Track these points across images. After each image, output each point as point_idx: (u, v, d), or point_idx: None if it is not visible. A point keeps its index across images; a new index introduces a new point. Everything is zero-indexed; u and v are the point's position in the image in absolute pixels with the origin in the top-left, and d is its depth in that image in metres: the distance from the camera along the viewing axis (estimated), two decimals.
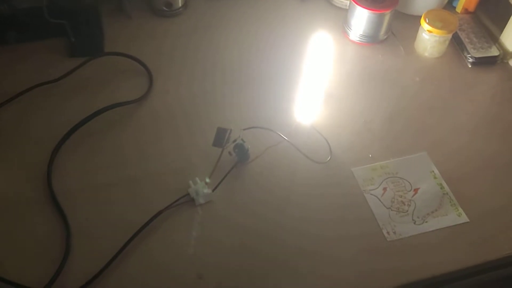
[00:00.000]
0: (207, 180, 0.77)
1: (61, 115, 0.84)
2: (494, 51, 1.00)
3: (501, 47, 1.01)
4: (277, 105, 0.90)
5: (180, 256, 0.71)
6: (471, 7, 1.06)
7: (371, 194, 0.80)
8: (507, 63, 1.01)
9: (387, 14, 0.98)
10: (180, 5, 1.03)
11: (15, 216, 0.74)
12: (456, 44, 1.02)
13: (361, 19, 0.99)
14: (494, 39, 1.02)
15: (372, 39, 1.01)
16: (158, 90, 0.91)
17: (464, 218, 0.78)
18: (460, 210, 0.79)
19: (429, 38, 0.98)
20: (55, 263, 0.69)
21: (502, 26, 1.00)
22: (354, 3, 0.97)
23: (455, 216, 0.78)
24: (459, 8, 1.08)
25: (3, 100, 0.85)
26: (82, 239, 0.72)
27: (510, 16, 0.97)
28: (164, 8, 1.02)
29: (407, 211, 0.78)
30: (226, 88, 0.92)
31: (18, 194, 0.76)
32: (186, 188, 0.76)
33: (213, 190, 0.77)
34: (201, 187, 0.76)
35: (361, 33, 1.01)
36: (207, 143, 0.80)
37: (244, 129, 0.83)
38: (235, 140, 0.80)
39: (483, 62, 0.99)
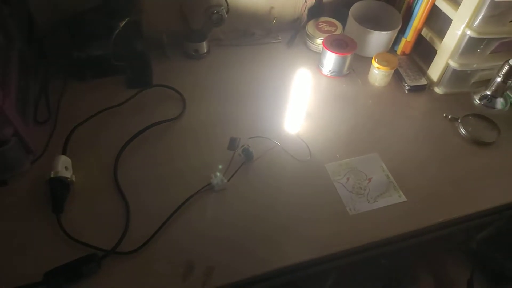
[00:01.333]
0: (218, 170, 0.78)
1: (123, 129, 0.85)
2: (423, 81, 1.00)
3: (428, 78, 1.01)
4: (272, 120, 0.90)
5: (205, 226, 0.73)
6: (407, 50, 1.07)
7: (339, 182, 0.81)
8: (433, 89, 1.01)
9: (349, 56, 0.99)
10: (204, 51, 1.04)
11: (93, 197, 0.75)
12: (397, 76, 1.03)
13: (330, 60, 1.00)
14: (423, 73, 1.03)
15: (338, 73, 1.02)
16: (189, 111, 0.92)
17: (403, 198, 0.79)
18: (401, 192, 0.79)
19: (378, 73, 0.99)
20: (120, 232, 0.70)
21: (428, 63, 1.01)
22: (325, 48, 0.99)
23: (397, 197, 0.79)
24: (399, 51, 1.09)
25: (83, 119, 0.86)
26: (137, 215, 0.73)
27: (434, 57, 0.98)
28: (193, 53, 1.03)
29: (364, 194, 0.79)
30: (235, 109, 0.93)
31: (95, 182, 0.77)
32: (209, 179, 0.77)
33: (228, 181, 0.78)
34: (220, 178, 0.77)
35: (331, 69, 1.02)
36: (223, 148, 0.82)
37: (249, 138, 0.84)
38: (243, 146, 0.81)
39: (416, 89, 1.00)
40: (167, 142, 0.85)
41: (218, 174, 0.78)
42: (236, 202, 0.76)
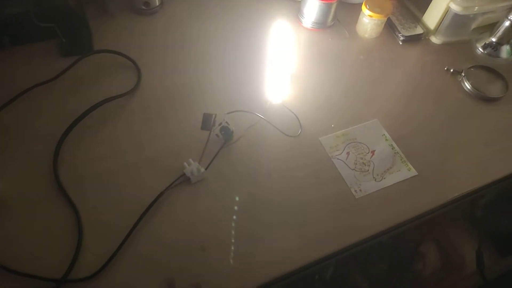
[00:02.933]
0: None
1: (60, 112, 0.67)
2: (419, 30, 0.87)
3: (424, 26, 0.88)
4: (252, 89, 0.74)
5: (183, 231, 0.58)
6: None
7: (338, 158, 0.68)
8: (429, 39, 0.88)
9: (334, 4, 0.83)
10: (157, 4, 0.84)
11: (27, 211, 0.57)
12: (389, 26, 0.89)
13: (312, 8, 0.83)
14: (418, 20, 0.89)
15: (322, 25, 0.86)
16: (146, 82, 0.73)
17: (413, 172, 0.67)
18: (410, 165, 0.68)
19: (369, 22, 0.84)
20: (71, 252, 0.53)
21: (423, 9, 0.87)
22: None
23: (406, 171, 0.67)
24: None
25: (5, 102, 0.66)
26: (92, 226, 0.57)
27: (431, 0, 0.85)
28: (143, 7, 0.83)
29: (368, 170, 0.67)
30: (205, 77, 0.75)
31: (27, 189, 0.59)
32: (182, 169, 0.62)
33: (205, 169, 0.62)
34: (195, 167, 0.62)
35: (313, 21, 0.85)
36: (195, 127, 0.64)
37: (227, 113, 0.68)
38: (220, 123, 0.65)
39: (411, 40, 0.86)
40: (120, 125, 0.67)
41: (192, 161, 0.62)
42: (218, 195, 0.61)
